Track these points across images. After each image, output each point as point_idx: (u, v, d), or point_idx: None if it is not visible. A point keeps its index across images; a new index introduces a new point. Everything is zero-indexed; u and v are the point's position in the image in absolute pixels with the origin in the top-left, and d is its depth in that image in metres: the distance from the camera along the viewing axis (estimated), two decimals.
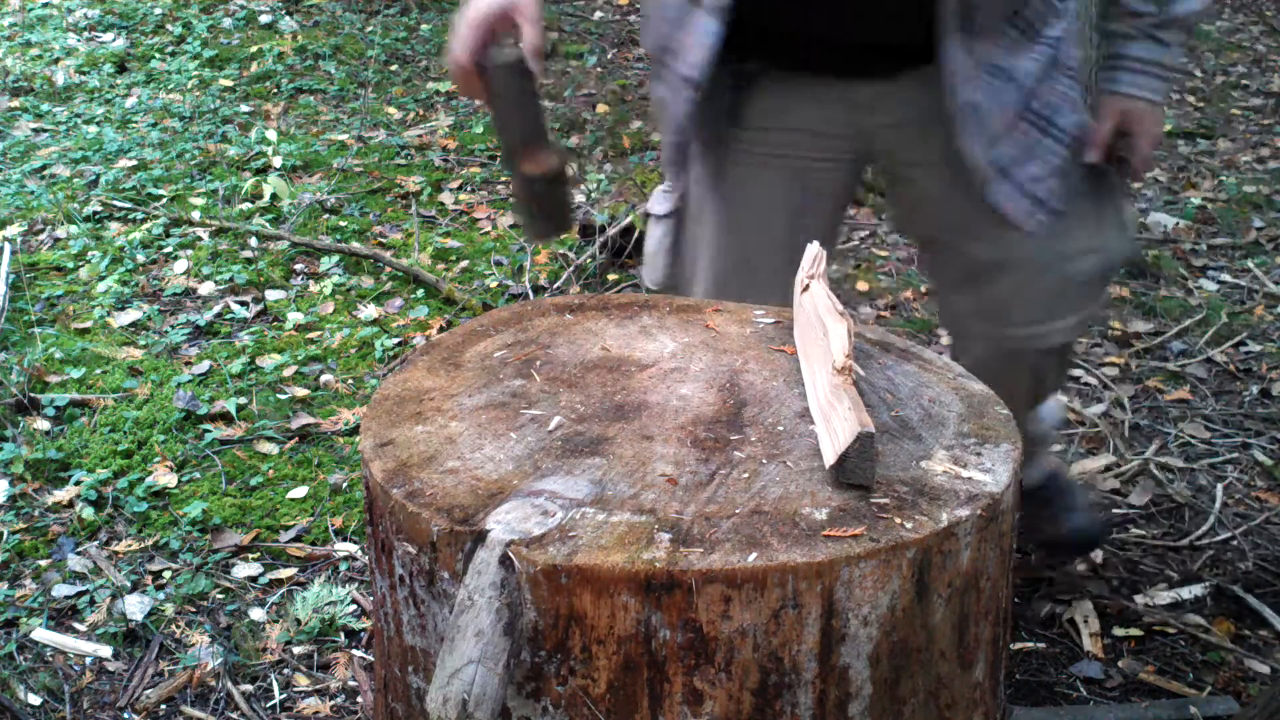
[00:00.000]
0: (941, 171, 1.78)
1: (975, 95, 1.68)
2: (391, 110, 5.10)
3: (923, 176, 1.85)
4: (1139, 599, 2.43)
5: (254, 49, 5.50)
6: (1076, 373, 3.50)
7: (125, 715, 2.09)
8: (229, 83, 5.24)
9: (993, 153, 1.72)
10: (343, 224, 4.01)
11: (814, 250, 1.31)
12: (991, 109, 1.69)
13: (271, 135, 4.63)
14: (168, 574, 2.43)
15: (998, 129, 1.71)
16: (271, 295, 3.53)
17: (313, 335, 3.28)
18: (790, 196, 1.86)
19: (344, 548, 2.49)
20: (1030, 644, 2.30)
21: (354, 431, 2.88)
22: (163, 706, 2.10)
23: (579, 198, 4.71)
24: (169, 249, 3.83)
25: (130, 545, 2.50)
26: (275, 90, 5.21)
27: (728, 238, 1.88)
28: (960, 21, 1.63)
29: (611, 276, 3.94)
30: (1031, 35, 1.72)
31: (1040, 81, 1.73)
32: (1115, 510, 2.76)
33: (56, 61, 5.42)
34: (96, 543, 2.52)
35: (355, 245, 3.79)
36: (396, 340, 3.20)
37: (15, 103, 5.05)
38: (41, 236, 3.94)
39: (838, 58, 1.74)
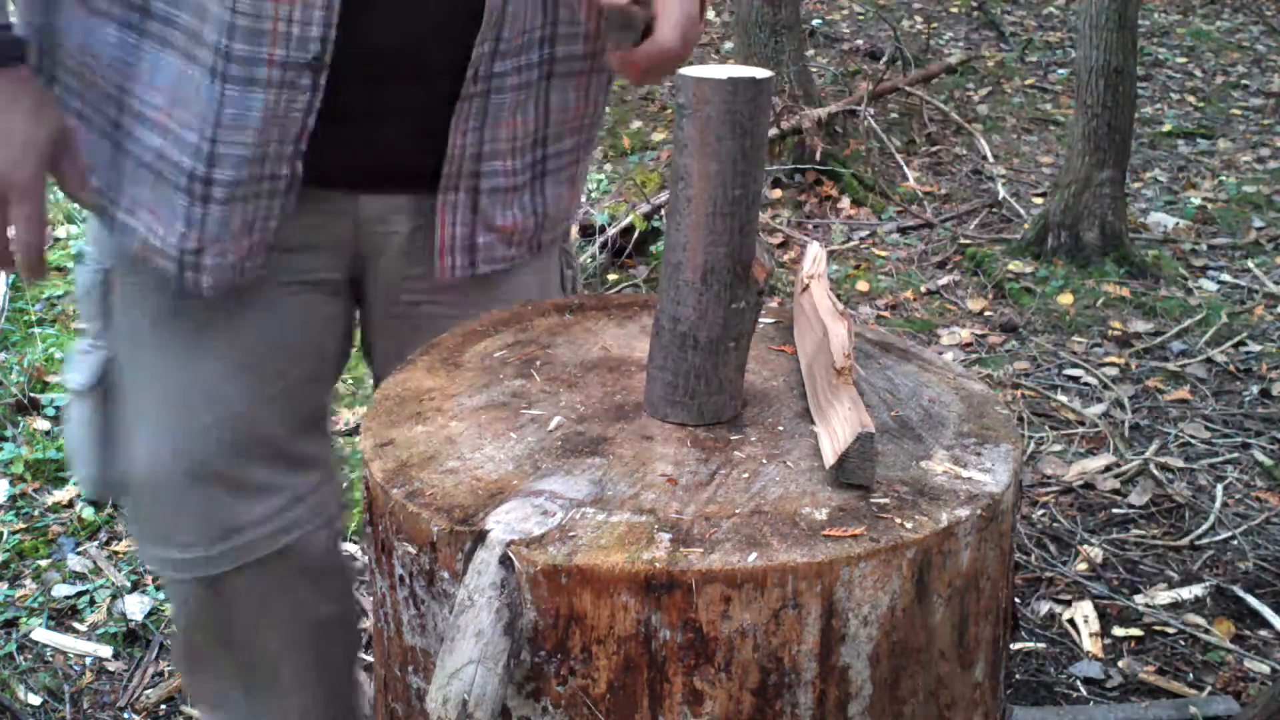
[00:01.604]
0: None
1: None
2: None
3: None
4: (1139, 599, 2.43)
5: None
6: (1076, 373, 3.50)
7: (125, 715, 2.09)
8: None
9: None
10: None
11: (814, 249, 1.31)
12: None
13: None
14: None
15: None
16: None
17: None
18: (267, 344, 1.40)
19: (344, 548, 2.50)
20: (1030, 644, 2.30)
21: (354, 431, 2.88)
22: (163, 706, 2.10)
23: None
24: None
25: (130, 545, 2.50)
26: None
27: (168, 412, 1.37)
28: None
29: (611, 276, 3.94)
30: None
31: None
32: (1115, 510, 2.76)
33: None
34: (96, 543, 2.52)
35: None
36: None
37: None
38: None
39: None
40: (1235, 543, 2.62)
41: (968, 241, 4.54)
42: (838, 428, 0.97)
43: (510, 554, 0.87)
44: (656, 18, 1.20)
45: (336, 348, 1.51)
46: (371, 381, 1.68)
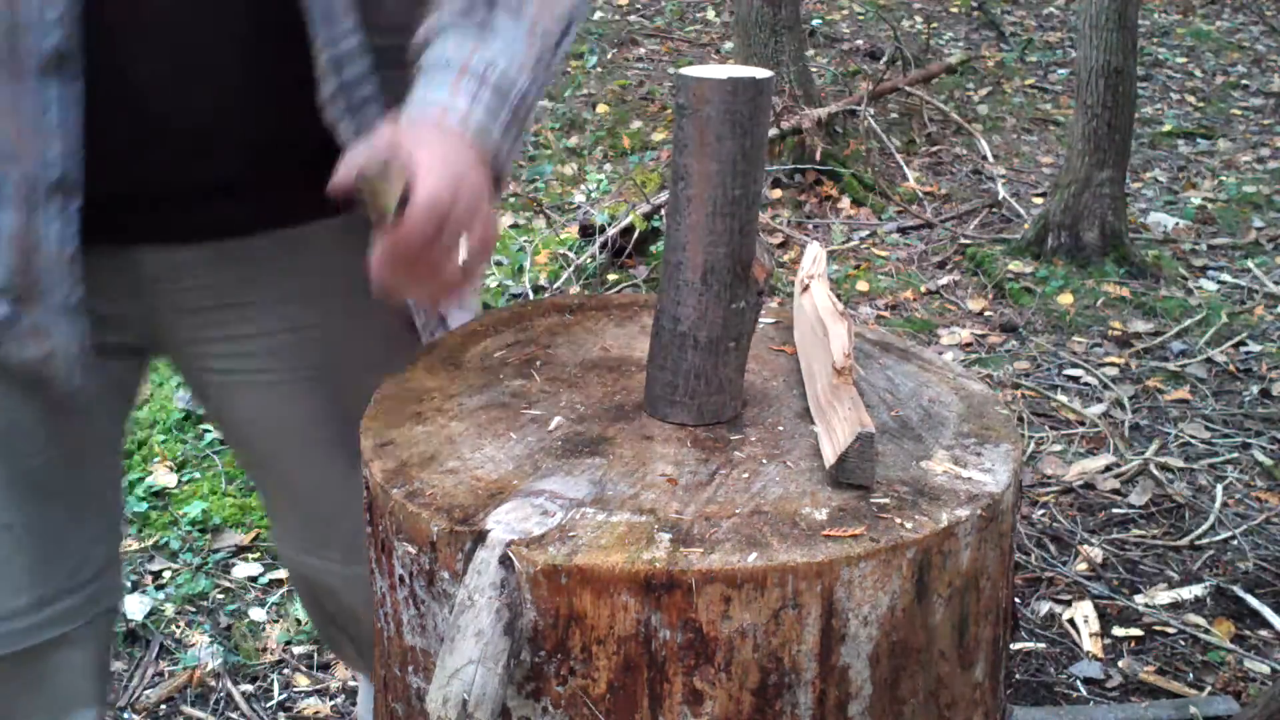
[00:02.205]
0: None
1: None
2: None
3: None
4: (1139, 599, 2.43)
5: None
6: (1076, 373, 3.50)
7: (125, 715, 2.09)
8: None
9: None
10: None
11: (814, 250, 1.31)
12: None
13: None
14: (168, 574, 2.43)
15: None
16: None
17: None
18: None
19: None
20: (1030, 644, 2.30)
21: None
22: (163, 706, 2.10)
23: (579, 197, 4.69)
24: None
25: (130, 545, 2.50)
26: None
27: None
28: None
29: (611, 276, 3.94)
30: None
31: None
32: (1115, 510, 2.76)
33: None
34: None
35: None
36: None
37: None
38: None
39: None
40: (1235, 543, 2.62)
41: (968, 241, 4.53)
42: (838, 428, 0.97)
43: (510, 554, 0.87)
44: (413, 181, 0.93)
45: (110, 414, 1.35)
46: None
